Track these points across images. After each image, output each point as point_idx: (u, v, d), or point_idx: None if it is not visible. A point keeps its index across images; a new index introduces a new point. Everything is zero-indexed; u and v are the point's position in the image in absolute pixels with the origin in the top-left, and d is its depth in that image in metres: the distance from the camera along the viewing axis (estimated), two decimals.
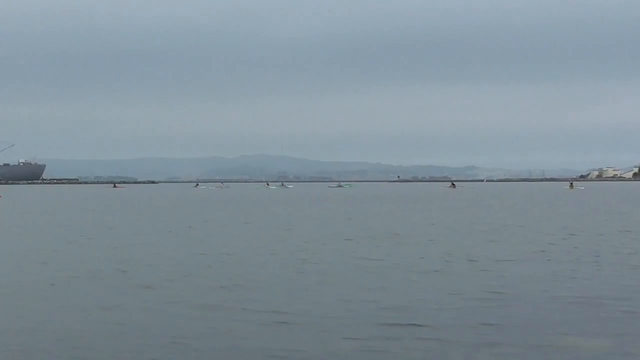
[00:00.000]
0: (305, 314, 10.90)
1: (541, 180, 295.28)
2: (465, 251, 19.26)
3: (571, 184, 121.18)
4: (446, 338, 9.37)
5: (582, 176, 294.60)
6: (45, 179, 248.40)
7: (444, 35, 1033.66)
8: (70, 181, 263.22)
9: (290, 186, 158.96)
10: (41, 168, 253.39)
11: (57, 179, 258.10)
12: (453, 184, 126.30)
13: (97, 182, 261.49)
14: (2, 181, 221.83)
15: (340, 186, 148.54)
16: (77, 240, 23.65)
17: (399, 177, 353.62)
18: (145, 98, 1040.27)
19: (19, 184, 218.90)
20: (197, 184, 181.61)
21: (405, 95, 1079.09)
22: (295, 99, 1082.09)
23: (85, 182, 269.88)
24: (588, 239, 23.14)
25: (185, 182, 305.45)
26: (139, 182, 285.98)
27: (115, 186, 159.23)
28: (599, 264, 16.51)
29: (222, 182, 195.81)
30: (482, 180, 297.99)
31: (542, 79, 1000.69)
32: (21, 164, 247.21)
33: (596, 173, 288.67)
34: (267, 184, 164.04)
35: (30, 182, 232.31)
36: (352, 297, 12.28)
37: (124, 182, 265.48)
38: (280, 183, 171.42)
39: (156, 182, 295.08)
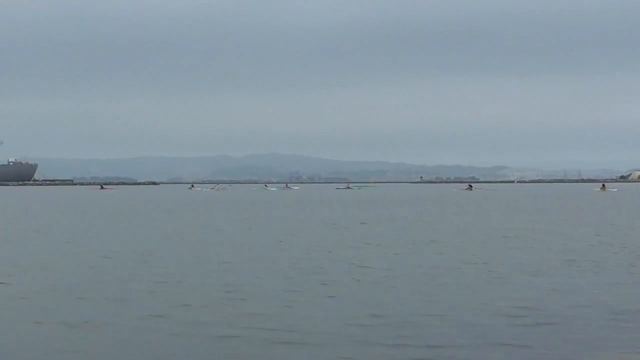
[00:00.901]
0: (302, 331, 10.54)
1: (577, 181, 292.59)
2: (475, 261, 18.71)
3: (603, 185, 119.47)
4: None
5: (622, 177, 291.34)
6: (37, 180, 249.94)
7: (470, 25, 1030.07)
8: (64, 182, 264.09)
9: (296, 187, 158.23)
10: (33, 168, 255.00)
11: (50, 180, 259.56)
12: (470, 186, 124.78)
13: (93, 183, 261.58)
14: None
15: (349, 187, 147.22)
16: None
17: (421, 177, 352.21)
18: (146, 92, 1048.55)
19: (8, 185, 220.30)
20: (192, 186, 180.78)
21: (430, 90, 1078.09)
22: (310, 94, 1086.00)
23: (81, 183, 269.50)
24: (618, 247, 22.46)
25: (188, 183, 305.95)
26: (139, 183, 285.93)
27: (102, 187, 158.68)
28: (633, 275, 16.12)
29: (218, 184, 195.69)
30: (513, 182, 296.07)
31: (579, 70, 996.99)
32: (11, 163, 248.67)
33: (638, 173, 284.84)
34: (266, 185, 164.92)
35: (21, 183, 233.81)
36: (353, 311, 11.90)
37: (123, 183, 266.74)
38: (285, 184, 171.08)
39: (157, 183, 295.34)
